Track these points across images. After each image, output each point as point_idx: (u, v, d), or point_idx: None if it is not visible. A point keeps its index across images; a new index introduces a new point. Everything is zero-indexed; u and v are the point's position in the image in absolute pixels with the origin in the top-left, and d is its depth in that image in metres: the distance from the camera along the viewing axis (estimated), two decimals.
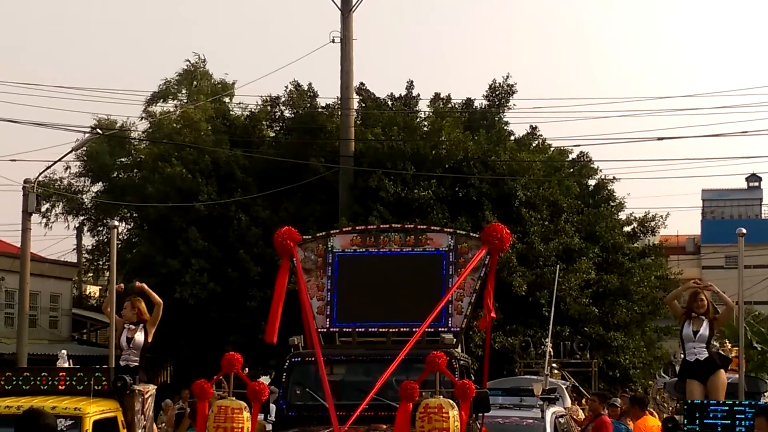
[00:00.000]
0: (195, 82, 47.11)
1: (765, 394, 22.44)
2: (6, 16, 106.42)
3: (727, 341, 28.47)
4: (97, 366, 13.78)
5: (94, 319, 46.66)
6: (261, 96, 41.83)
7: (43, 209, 45.03)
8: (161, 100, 47.70)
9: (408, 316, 13.54)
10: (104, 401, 12.30)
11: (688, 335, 13.48)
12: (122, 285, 15.35)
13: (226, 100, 44.03)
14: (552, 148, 39.15)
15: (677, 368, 15.03)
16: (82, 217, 49.36)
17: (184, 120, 40.40)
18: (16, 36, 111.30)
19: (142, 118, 44.54)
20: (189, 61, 47.82)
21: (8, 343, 37.26)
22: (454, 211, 34.45)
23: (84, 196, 48.66)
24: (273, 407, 13.70)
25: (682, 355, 13.74)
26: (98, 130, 40.41)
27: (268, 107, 39.64)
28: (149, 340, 14.22)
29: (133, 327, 14.12)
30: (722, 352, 15.40)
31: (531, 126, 39.30)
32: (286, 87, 39.26)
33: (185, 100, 46.01)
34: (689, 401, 12.19)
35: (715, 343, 23.10)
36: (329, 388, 12.11)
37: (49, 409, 11.12)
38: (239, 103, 43.33)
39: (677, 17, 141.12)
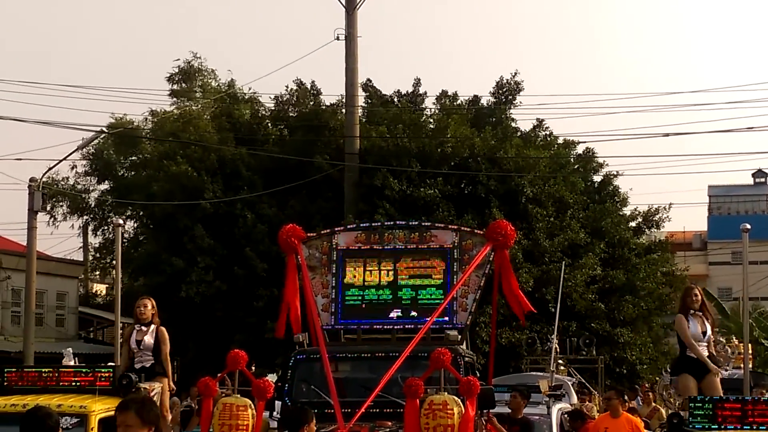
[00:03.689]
0: (197, 80, 46.70)
1: None
2: (13, 17, 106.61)
3: (734, 337, 28.48)
4: (102, 364, 13.80)
5: (101, 318, 46.72)
6: (266, 94, 41.82)
7: (48, 207, 45.05)
8: (178, 97, 46.92)
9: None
10: (110, 399, 12.30)
11: (696, 334, 13.53)
12: None
13: (232, 97, 43.83)
14: (558, 143, 39.12)
15: None
16: (86, 217, 49.40)
17: (183, 117, 40.40)
18: (22, 36, 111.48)
19: (146, 118, 44.44)
20: (188, 61, 47.30)
21: (15, 341, 37.30)
22: (461, 208, 34.41)
23: (89, 195, 48.68)
24: (278, 404, 13.69)
25: (681, 352, 13.79)
26: (103, 129, 40.35)
27: (272, 107, 39.68)
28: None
29: (144, 329, 13.90)
30: (717, 355, 15.40)
31: (537, 119, 39.35)
32: (287, 87, 39.23)
33: (188, 98, 45.76)
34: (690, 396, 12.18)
35: (722, 339, 23.15)
36: (334, 385, 12.14)
37: (54, 407, 11.15)
38: (249, 99, 43.13)
39: (685, 13, 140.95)
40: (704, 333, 13.56)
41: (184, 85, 46.34)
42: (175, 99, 45.30)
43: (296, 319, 13.76)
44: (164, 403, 13.62)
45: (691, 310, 13.70)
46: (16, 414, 11.43)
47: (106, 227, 48.20)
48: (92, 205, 48.83)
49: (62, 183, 47.23)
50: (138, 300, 14.27)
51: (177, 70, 46.22)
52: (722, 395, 12.96)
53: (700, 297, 13.80)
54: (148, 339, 13.82)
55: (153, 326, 13.96)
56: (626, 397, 21.60)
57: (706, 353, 13.53)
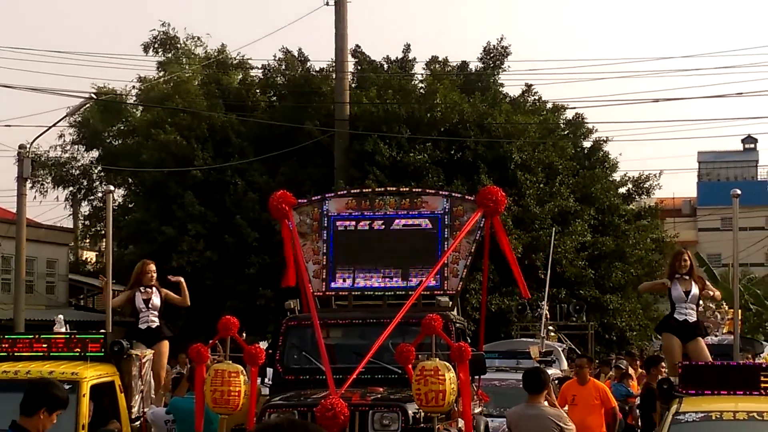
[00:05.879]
0: (179, 49, 46.22)
1: (761, 354, 22.52)
2: None
3: (723, 303, 28.59)
4: (93, 331, 13.84)
5: (92, 285, 46.66)
6: (255, 60, 41.60)
7: (36, 176, 44.79)
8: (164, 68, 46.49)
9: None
10: (101, 366, 12.34)
11: (679, 296, 13.56)
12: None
13: (221, 63, 43.56)
14: (547, 107, 39.09)
15: None
16: (72, 188, 49.11)
17: (172, 82, 40.13)
18: (9, 2, 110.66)
19: (133, 87, 44.18)
20: (161, 31, 46.65)
21: (5, 308, 37.26)
22: (450, 174, 34.39)
23: (78, 164, 48.42)
24: (270, 371, 13.74)
25: (669, 312, 13.84)
26: (92, 95, 40.09)
27: (261, 75, 39.56)
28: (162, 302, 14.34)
29: (149, 290, 14.16)
30: (707, 323, 15.55)
31: (526, 84, 39.30)
32: (275, 56, 39.09)
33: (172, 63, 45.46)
34: (679, 362, 12.23)
35: (711, 305, 23.21)
36: (326, 352, 12.16)
37: (46, 374, 11.17)
38: (238, 64, 42.89)
39: None
40: (687, 293, 13.54)
41: (164, 54, 45.84)
42: (158, 67, 45.00)
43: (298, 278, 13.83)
44: (161, 366, 13.86)
45: (677, 274, 13.71)
46: (8, 381, 11.47)
47: (92, 196, 48.03)
48: (78, 176, 48.42)
49: (44, 156, 46.72)
50: (145, 266, 14.39)
51: (153, 39, 45.60)
52: (710, 359, 13.04)
53: (688, 261, 13.81)
54: (156, 300, 14.12)
55: (154, 288, 14.24)
56: (623, 364, 21.76)
57: (693, 318, 13.55)
